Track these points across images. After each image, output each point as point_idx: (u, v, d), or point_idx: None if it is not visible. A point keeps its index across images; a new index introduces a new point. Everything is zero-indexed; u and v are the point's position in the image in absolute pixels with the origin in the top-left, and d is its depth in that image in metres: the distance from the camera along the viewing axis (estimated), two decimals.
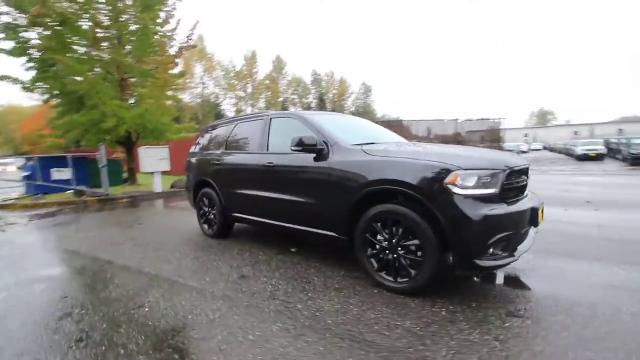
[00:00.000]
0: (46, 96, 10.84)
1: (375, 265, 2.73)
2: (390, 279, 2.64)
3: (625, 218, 4.88)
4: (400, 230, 2.56)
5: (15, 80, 10.00)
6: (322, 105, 56.50)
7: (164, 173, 10.49)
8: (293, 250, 3.83)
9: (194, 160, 5.04)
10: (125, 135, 10.94)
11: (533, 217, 2.57)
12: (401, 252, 2.56)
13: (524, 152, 33.17)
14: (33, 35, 9.64)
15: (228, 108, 52.65)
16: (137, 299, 2.69)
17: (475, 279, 2.93)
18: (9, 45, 9.55)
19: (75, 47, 10.13)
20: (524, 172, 2.78)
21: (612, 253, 3.39)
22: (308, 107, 55.72)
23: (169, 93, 12.22)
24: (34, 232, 5.63)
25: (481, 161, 2.51)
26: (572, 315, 2.22)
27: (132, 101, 11.55)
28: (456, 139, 19.51)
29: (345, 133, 3.35)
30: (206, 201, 4.61)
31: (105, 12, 10.31)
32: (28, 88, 10.18)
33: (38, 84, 10.21)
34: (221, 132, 4.68)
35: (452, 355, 1.83)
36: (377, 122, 5.77)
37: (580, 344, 1.90)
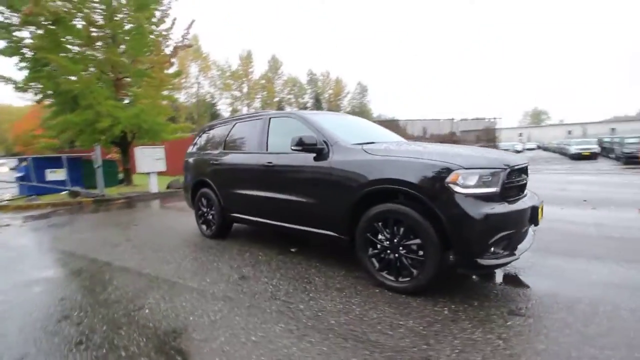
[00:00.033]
0: (39, 96, 10.69)
1: (377, 264, 2.73)
2: (392, 278, 2.64)
3: (622, 216, 4.93)
4: (402, 229, 2.56)
5: (8, 80, 9.86)
6: (318, 105, 56.49)
7: (160, 173, 10.42)
8: (293, 250, 3.81)
9: (191, 160, 5.01)
10: (120, 135, 10.84)
11: (533, 215, 2.59)
12: (402, 252, 2.56)
13: (518, 152, 33.37)
14: (25, 34, 9.53)
15: (223, 108, 52.49)
16: (136, 301, 2.66)
17: (474, 277, 2.94)
18: (1, 44, 9.43)
19: (68, 46, 10.01)
20: (524, 170, 2.80)
21: (610, 251, 3.42)
22: (304, 107, 55.67)
23: (164, 92, 12.14)
24: (28, 234, 5.56)
25: (482, 160, 2.52)
26: (573, 312, 2.24)
27: (126, 101, 11.46)
28: (451, 139, 19.60)
29: (344, 132, 3.35)
30: (204, 201, 4.58)
31: (99, 10, 10.19)
32: (21, 88, 10.04)
33: (31, 84, 10.08)
34: (219, 131, 4.66)
35: (456, 354, 1.83)
36: (372, 122, 5.76)
37: (582, 341, 1.91)
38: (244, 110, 53.16)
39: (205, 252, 3.91)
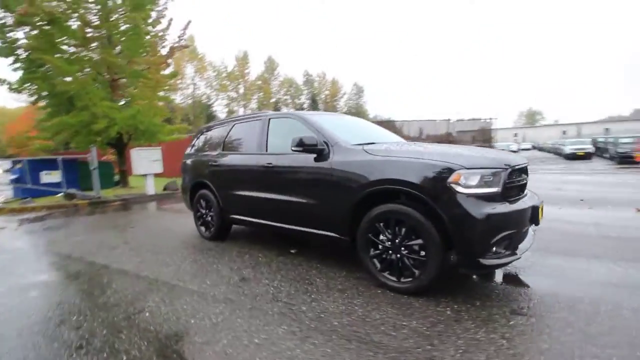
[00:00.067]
0: (34, 97, 10.59)
1: (378, 265, 2.73)
2: (394, 278, 2.63)
3: (619, 216, 4.97)
4: (403, 229, 2.55)
5: (2, 81, 9.76)
6: (314, 106, 56.53)
7: (157, 175, 10.34)
8: (293, 251, 3.80)
9: (189, 161, 4.98)
10: (116, 136, 10.76)
11: (534, 215, 2.59)
12: (404, 252, 2.56)
13: (513, 152, 33.60)
14: (20, 35, 9.43)
15: (220, 109, 52.37)
16: (136, 304, 2.64)
17: (475, 277, 2.94)
18: None
19: (64, 47, 9.93)
20: (524, 170, 2.81)
21: (608, 250, 3.44)
22: (300, 108, 55.66)
23: (161, 93, 12.08)
24: (23, 237, 5.49)
25: (483, 160, 2.53)
26: (574, 311, 2.25)
27: (122, 102, 11.38)
28: (447, 139, 19.70)
29: (345, 133, 3.34)
30: (203, 203, 4.55)
31: (94, 11, 10.14)
32: (15, 89, 9.94)
33: (26, 85, 9.98)
34: (217, 133, 4.63)
35: (460, 355, 1.83)
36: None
37: (584, 340, 1.92)
38: (241, 111, 53.05)
39: (204, 254, 3.88)
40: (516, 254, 2.48)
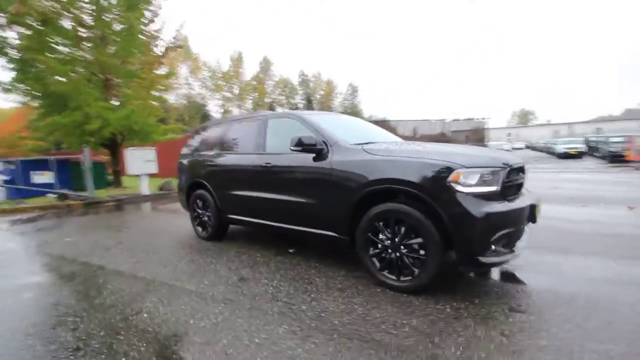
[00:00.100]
0: (27, 97, 10.44)
1: (378, 264, 2.73)
2: (393, 277, 2.64)
3: (613, 214, 5.04)
4: (403, 228, 2.56)
5: None
6: (309, 106, 56.48)
7: (151, 175, 10.26)
8: (291, 251, 3.79)
9: (185, 161, 4.94)
10: (110, 136, 10.65)
11: (531, 213, 2.62)
12: (404, 251, 2.56)
13: (507, 151, 33.89)
14: (12, 35, 9.30)
15: (214, 109, 52.01)
16: (134, 305, 2.61)
17: (471, 275, 2.96)
18: None
19: (57, 47, 9.80)
20: (522, 169, 2.83)
21: (604, 248, 3.49)
22: (295, 108, 55.56)
23: (155, 93, 11.98)
24: (16, 238, 5.41)
25: (482, 159, 2.54)
26: (572, 308, 2.27)
27: (116, 102, 11.26)
28: (441, 139, 19.82)
29: (343, 132, 3.34)
30: (200, 203, 4.52)
31: (88, 11, 10.02)
32: (8, 89, 9.79)
33: (18, 85, 9.83)
34: (215, 132, 4.60)
35: (461, 352, 1.84)
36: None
37: (583, 336, 1.94)
38: (235, 111, 52.82)
39: (201, 254, 3.85)
40: (514, 252, 2.50)
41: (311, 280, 2.93)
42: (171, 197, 9.84)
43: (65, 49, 10.05)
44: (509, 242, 2.49)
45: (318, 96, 61.15)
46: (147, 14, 10.93)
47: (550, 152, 27.40)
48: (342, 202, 2.89)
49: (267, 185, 3.58)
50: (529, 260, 3.19)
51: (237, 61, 53.10)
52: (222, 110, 51.81)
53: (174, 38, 11.78)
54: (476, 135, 20.78)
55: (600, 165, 16.16)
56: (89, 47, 10.38)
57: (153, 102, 11.88)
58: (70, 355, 1.98)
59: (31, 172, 9.54)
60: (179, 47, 13.40)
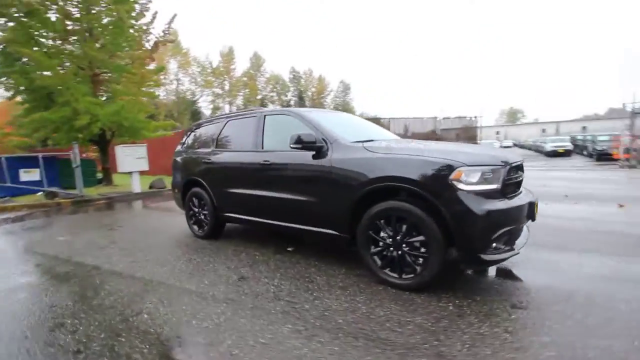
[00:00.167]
0: (11, 92, 10.14)
1: (379, 262, 2.73)
2: (395, 275, 2.65)
3: (604, 211, 5.15)
4: (404, 226, 2.56)
5: None
6: (301, 103, 56.31)
7: (141, 173, 10.09)
8: (289, 249, 3.77)
9: (180, 159, 4.87)
10: (99, 133, 10.43)
11: (530, 211, 2.65)
12: (406, 249, 2.57)
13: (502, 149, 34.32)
14: None
15: (205, 105, 51.48)
16: (133, 306, 2.56)
17: (469, 272, 2.99)
18: None
19: (42, 40, 9.53)
20: (520, 167, 2.86)
21: (598, 245, 3.57)
22: (287, 105, 55.34)
23: (146, 89, 11.76)
24: (4, 237, 5.26)
25: (483, 157, 2.57)
26: (572, 304, 2.31)
27: (104, 98, 11.02)
28: (432, 137, 20.00)
29: (342, 130, 3.33)
30: (195, 201, 4.46)
31: (74, 3, 9.75)
32: None
33: (2, 79, 9.54)
34: (210, 130, 4.54)
35: (467, 349, 1.86)
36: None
37: (585, 332, 1.97)
38: (226, 107, 52.34)
39: (199, 253, 3.81)
40: (514, 249, 2.53)
41: (312, 279, 2.92)
42: (163, 195, 9.73)
43: (52, 42, 9.78)
44: (510, 240, 2.52)
45: (310, 93, 60.99)
46: (137, 7, 10.70)
47: (538, 150, 27.92)
48: (342, 200, 2.88)
49: (266, 183, 3.55)
50: (525, 257, 3.23)
51: (228, 57, 52.56)
52: (212, 107, 51.26)
53: (163, 32, 11.57)
54: (466, 134, 21.03)
55: (587, 163, 16.53)
56: (76, 40, 10.13)
57: (143, 98, 11.67)
58: (71, 358, 1.93)
59: (17, 169, 9.27)
60: (170, 42, 13.16)
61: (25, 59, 9.22)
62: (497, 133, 62.45)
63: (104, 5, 10.08)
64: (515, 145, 46.15)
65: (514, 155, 2.89)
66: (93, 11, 9.95)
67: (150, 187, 10.40)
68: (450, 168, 2.39)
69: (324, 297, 2.57)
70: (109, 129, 10.71)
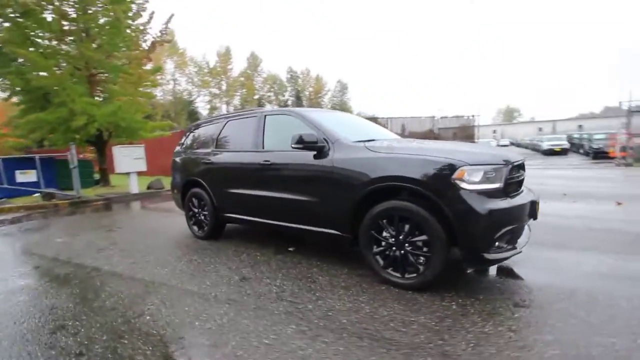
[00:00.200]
0: (7, 93, 10.06)
1: (381, 262, 2.73)
2: (398, 275, 2.65)
3: (602, 209, 5.19)
4: (407, 226, 2.56)
5: None
6: (298, 103, 56.27)
7: (139, 173, 10.04)
8: (290, 249, 3.77)
9: (179, 159, 4.85)
10: (96, 133, 10.36)
11: (532, 210, 2.67)
12: (408, 248, 2.57)
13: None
14: None
15: (202, 105, 51.31)
16: (135, 307, 2.54)
17: (469, 271, 2.98)
18: None
19: (38, 41, 9.46)
20: (522, 166, 2.87)
21: (596, 243, 3.58)
22: (284, 104, 55.29)
23: (143, 89, 11.70)
24: (1, 239, 5.21)
25: (485, 156, 2.57)
26: (573, 302, 2.32)
27: (101, 98, 10.95)
28: (430, 136, 20.04)
29: (343, 130, 3.33)
30: (195, 201, 4.45)
31: (71, 3, 9.68)
32: None
33: None
34: (210, 130, 4.53)
35: (471, 348, 1.86)
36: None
37: (588, 330, 1.98)
38: (223, 107, 52.22)
39: (199, 253, 3.79)
40: (516, 248, 2.54)
41: (314, 279, 2.92)
42: (161, 195, 9.70)
43: (48, 43, 9.71)
44: (512, 239, 2.53)
45: (307, 93, 60.95)
46: (134, 7, 10.65)
47: (535, 149, 28.05)
48: (344, 199, 2.88)
49: (267, 183, 3.54)
50: (525, 255, 3.23)
51: (225, 56, 52.42)
52: (209, 107, 51.12)
53: (161, 32, 11.52)
54: (464, 133, 21.08)
55: (584, 161, 16.64)
56: (72, 40, 10.06)
57: (140, 99, 11.62)
58: None
59: (14, 170, 9.20)
60: (167, 42, 13.10)
61: (21, 60, 9.15)
62: (494, 132, 62.61)
63: (100, 5, 10.03)
64: (512, 144, 46.36)
65: (515, 154, 2.90)
66: (89, 11, 9.89)
67: (148, 188, 10.36)
68: (452, 167, 2.39)
69: (326, 297, 2.57)
70: (106, 129, 10.64)
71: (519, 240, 2.64)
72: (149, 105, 14.87)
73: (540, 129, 53.83)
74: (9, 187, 8.91)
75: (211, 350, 1.95)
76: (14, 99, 10.57)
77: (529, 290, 2.57)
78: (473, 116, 19.68)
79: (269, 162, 3.49)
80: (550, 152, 22.55)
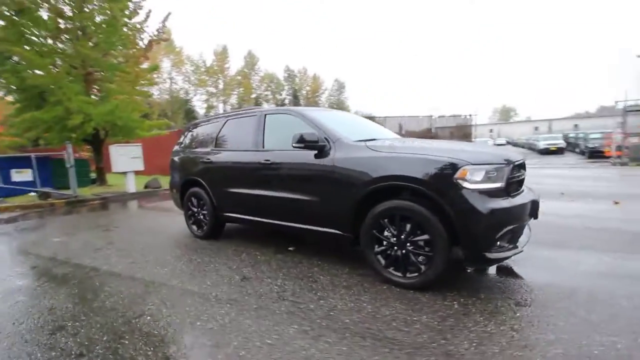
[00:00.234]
0: (2, 91, 9.95)
1: (383, 261, 2.73)
2: (399, 274, 2.65)
3: (600, 208, 5.22)
4: (409, 225, 2.56)
5: None
6: (295, 101, 56.19)
7: (136, 172, 9.98)
8: (291, 248, 3.76)
9: (178, 159, 4.82)
10: (93, 132, 10.27)
11: (533, 209, 2.67)
12: (410, 248, 2.57)
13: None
14: None
15: (199, 104, 51.11)
16: (135, 307, 2.53)
17: (469, 270, 3.00)
18: None
19: (34, 39, 9.35)
20: (522, 166, 2.88)
21: (595, 242, 3.61)
22: (282, 103, 55.18)
23: (140, 88, 11.62)
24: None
25: (487, 156, 2.58)
26: (574, 301, 2.33)
27: (97, 97, 10.86)
28: (427, 135, 20.08)
29: (344, 129, 3.32)
30: (195, 201, 4.42)
31: (67, 1, 9.58)
32: None
33: None
34: (209, 129, 4.50)
35: (474, 348, 1.86)
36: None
37: (589, 329, 1.99)
38: (220, 106, 52.04)
39: (199, 253, 3.77)
40: (518, 247, 2.54)
41: (315, 279, 2.91)
42: (158, 194, 9.65)
43: (43, 41, 9.61)
44: (513, 238, 2.54)
45: (304, 92, 60.88)
46: (130, 5, 10.55)
47: (531, 148, 28.19)
48: (345, 199, 2.87)
49: (267, 182, 3.53)
50: (524, 255, 3.24)
51: (222, 55, 52.22)
52: (206, 106, 50.92)
53: (158, 30, 11.44)
54: (461, 132, 21.15)
55: (580, 160, 16.75)
56: (68, 39, 9.97)
57: (137, 97, 11.54)
58: None
59: (9, 169, 9.11)
60: (164, 40, 13.01)
61: (16, 58, 9.05)
62: (491, 131, 62.82)
63: (97, 3, 9.94)
64: (508, 143, 46.60)
65: (515, 154, 2.90)
66: (86, 9, 9.79)
67: (146, 187, 10.30)
68: (455, 167, 2.39)
69: (328, 296, 2.56)
70: (102, 128, 10.56)
71: (519, 240, 2.65)
72: (145, 104, 14.78)
73: (536, 128, 54.11)
74: (5, 186, 8.84)
75: (214, 351, 1.94)
76: (9, 98, 10.46)
77: (530, 289, 2.58)
78: (470, 115, 19.67)
79: (269, 162, 3.48)
80: (547, 152, 22.68)
